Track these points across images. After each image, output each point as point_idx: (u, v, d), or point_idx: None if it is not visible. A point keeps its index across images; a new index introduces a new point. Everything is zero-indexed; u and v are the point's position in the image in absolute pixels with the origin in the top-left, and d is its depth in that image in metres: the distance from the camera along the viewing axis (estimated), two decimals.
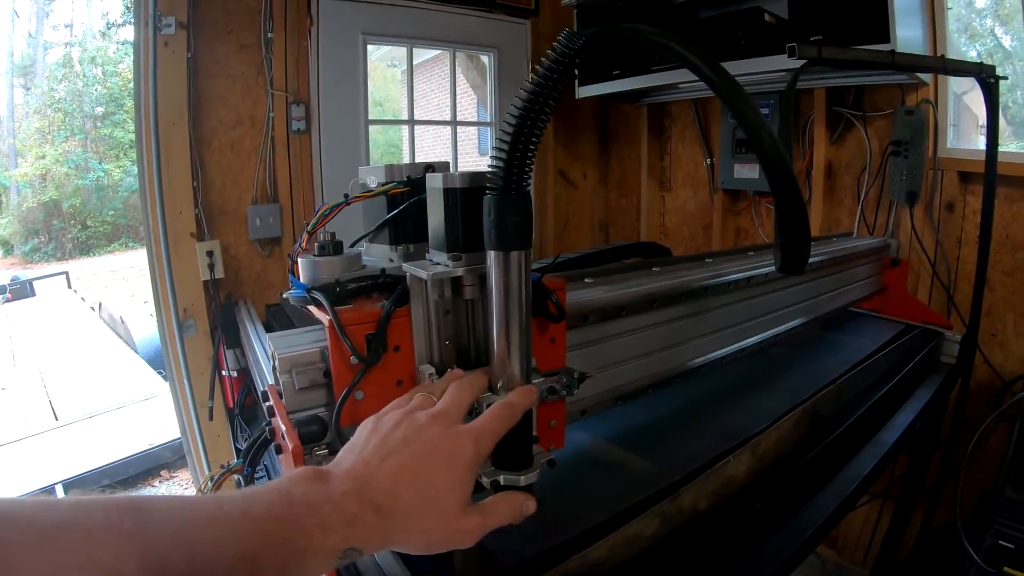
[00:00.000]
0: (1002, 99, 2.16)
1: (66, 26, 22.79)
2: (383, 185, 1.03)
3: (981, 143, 2.74)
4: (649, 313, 1.39)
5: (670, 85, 3.43)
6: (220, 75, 3.00)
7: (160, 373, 7.28)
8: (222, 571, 0.53)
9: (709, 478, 1.23)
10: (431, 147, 9.41)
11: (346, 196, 1.02)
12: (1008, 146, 2.86)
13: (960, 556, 2.18)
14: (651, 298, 1.37)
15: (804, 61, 1.61)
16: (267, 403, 0.96)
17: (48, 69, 22.34)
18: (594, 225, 4.63)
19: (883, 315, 2.47)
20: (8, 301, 13.59)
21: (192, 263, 2.97)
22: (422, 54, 8.38)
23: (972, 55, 3.46)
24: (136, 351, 8.69)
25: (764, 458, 1.42)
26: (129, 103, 19.68)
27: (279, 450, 0.92)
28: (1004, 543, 2.09)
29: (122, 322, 9.87)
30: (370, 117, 3.50)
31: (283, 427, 0.88)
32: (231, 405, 2.98)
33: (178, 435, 3.38)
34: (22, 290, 14.27)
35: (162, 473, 5.66)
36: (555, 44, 0.74)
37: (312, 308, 0.94)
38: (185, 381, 3.05)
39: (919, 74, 2.64)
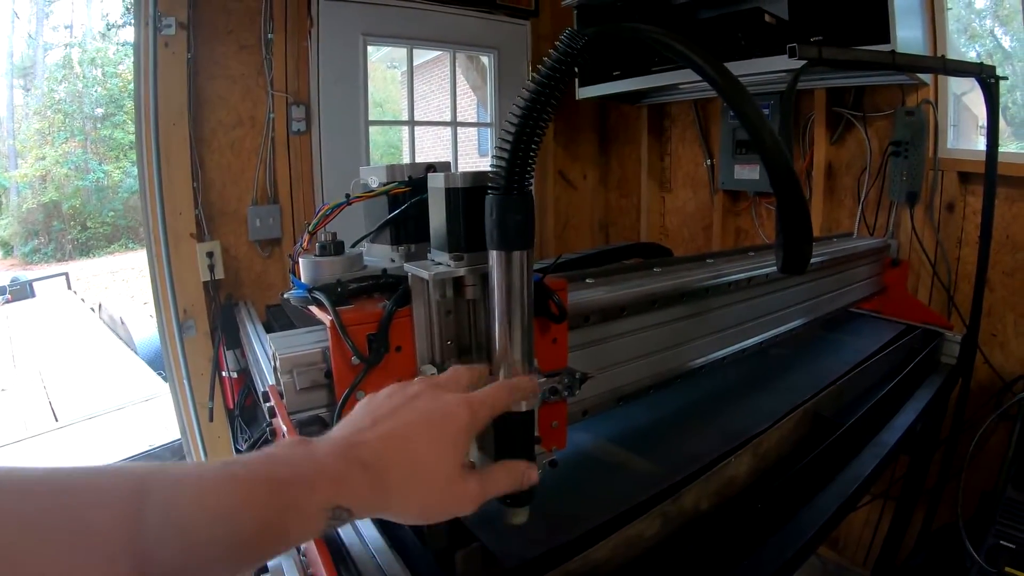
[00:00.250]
0: (1002, 99, 2.16)
1: (66, 27, 22.78)
2: (384, 185, 1.03)
3: (981, 143, 2.74)
4: (650, 313, 1.38)
5: (670, 86, 3.43)
6: (220, 76, 3.00)
7: (160, 374, 7.28)
8: (203, 528, 0.52)
9: (710, 479, 1.23)
10: (431, 148, 9.41)
11: (347, 196, 1.02)
12: (1008, 146, 2.85)
13: (961, 556, 2.18)
14: (652, 298, 1.37)
15: (804, 61, 1.61)
16: (268, 404, 0.96)
17: (48, 70, 22.33)
18: (594, 226, 4.63)
19: (883, 316, 2.46)
20: (8, 302, 13.60)
21: (192, 264, 2.97)
22: (422, 55, 8.39)
23: (972, 56, 3.46)
24: (136, 352, 8.70)
25: (765, 459, 1.42)
26: (129, 104, 19.68)
27: None
28: (1005, 543, 2.09)
29: (122, 323, 9.88)
30: (370, 118, 3.50)
31: (284, 428, 0.88)
32: (231, 406, 2.98)
33: (178, 436, 3.38)
34: (22, 291, 14.28)
35: None
36: (557, 43, 0.74)
37: (313, 308, 0.94)
38: (185, 382, 3.05)
39: (919, 74, 2.64)
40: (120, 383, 7.39)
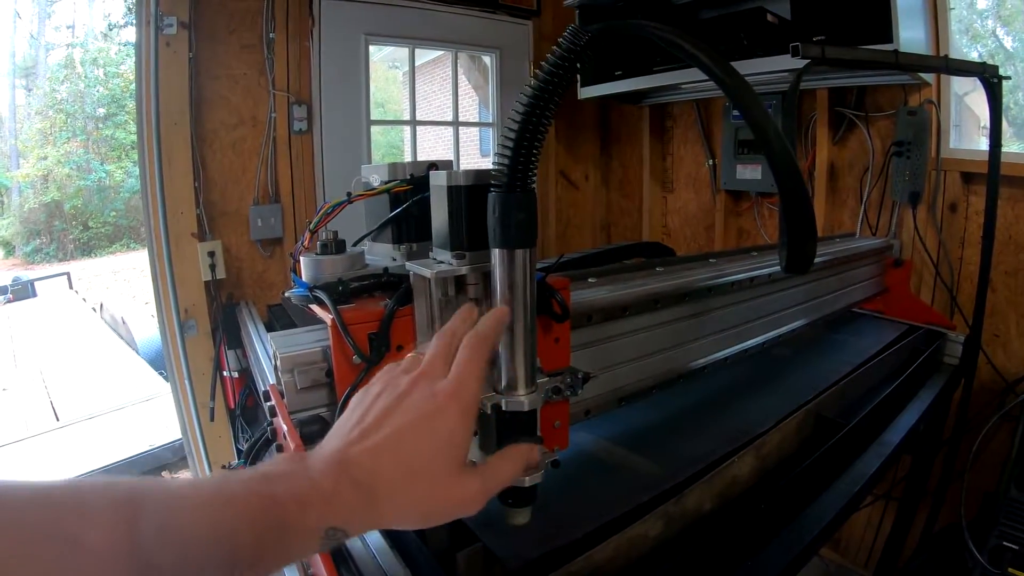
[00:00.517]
0: (1004, 100, 2.15)
1: (68, 27, 22.82)
2: (386, 183, 1.02)
3: (983, 144, 2.74)
4: (652, 313, 1.38)
5: (672, 86, 3.43)
6: (222, 75, 3.00)
7: (161, 374, 7.29)
8: (200, 545, 0.52)
9: (713, 479, 1.23)
10: (432, 148, 9.39)
11: (349, 195, 1.02)
12: (1010, 147, 2.85)
13: (963, 557, 2.17)
14: (655, 298, 1.37)
15: (807, 61, 1.60)
16: (269, 403, 0.96)
17: (50, 70, 22.37)
18: (596, 226, 4.63)
19: (886, 316, 2.46)
20: (9, 302, 13.63)
21: (193, 263, 2.97)
22: (424, 55, 8.38)
23: (974, 56, 3.45)
24: (137, 352, 8.71)
25: (768, 459, 1.41)
26: (130, 104, 19.67)
27: (280, 450, 0.91)
28: (1008, 544, 2.09)
29: (123, 323, 9.89)
30: (371, 118, 3.49)
31: (285, 427, 0.88)
32: (232, 406, 2.98)
33: (179, 436, 3.38)
34: (23, 291, 14.30)
35: (163, 474, 5.65)
36: (560, 40, 0.74)
37: (314, 307, 0.94)
38: (186, 382, 3.05)
39: (921, 74, 2.64)
40: (121, 383, 7.39)
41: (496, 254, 0.79)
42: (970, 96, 2.90)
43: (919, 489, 2.46)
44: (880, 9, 2.29)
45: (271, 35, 3.07)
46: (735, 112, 3.41)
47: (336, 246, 1.00)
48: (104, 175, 21.37)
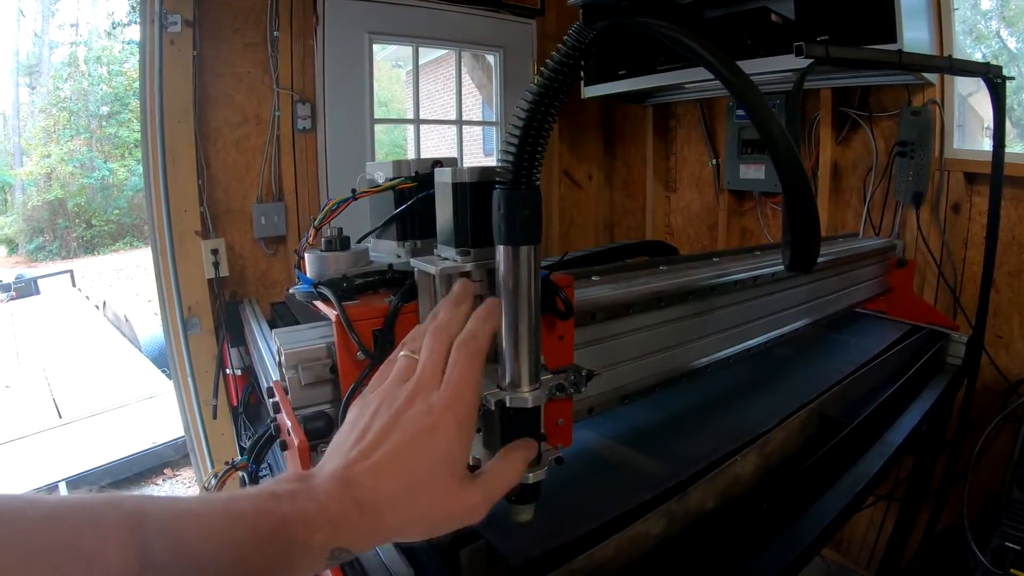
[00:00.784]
0: (1008, 101, 2.15)
1: (71, 25, 22.85)
2: (391, 180, 1.02)
3: (986, 144, 2.73)
4: (656, 312, 1.38)
5: (676, 85, 3.42)
6: (226, 74, 3.00)
7: (164, 371, 7.29)
8: (206, 567, 0.53)
9: (716, 478, 1.23)
10: (436, 147, 9.37)
11: (353, 191, 1.02)
12: (1014, 147, 2.84)
13: (966, 558, 2.17)
14: (658, 297, 1.37)
15: (811, 60, 1.60)
16: (272, 399, 0.96)
17: (53, 68, 22.40)
18: (599, 226, 4.62)
19: (889, 316, 2.46)
20: (13, 299, 13.64)
21: (197, 261, 2.97)
22: (427, 54, 8.39)
23: (977, 57, 3.45)
24: (140, 349, 8.71)
25: (771, 458, 1.41)
26: (134, 102, 19.72)
27: (284, 446, 0.92)
28: (1010, 544, 2.09)
29: (126, 320, 9.90)
30: (375, 117, 3.50)
31: (289, 423, 0.88)
32: (235, 403, 2.98)
33: (182, 433, 3.38)
34: (27, 288, 14.31)
35: (165, 471, 5.67)
36: (566, 37, 0.74)
37: (319, 303, 0.94)
38: (189, 379, 3.05)
39: (925, 74, 2.63)
40: (124, 380, 7.40)
41: (501, 251, 0.79)
42: (974, 96, 2.90)
43: (921, 489, 2.46)
44: (884, 9, 2.29)
45: (275, 33, 3.07)
46: (739, 112, 3.41)
47: (341, 243, 1.00)
48: (107, 173, 21.39)
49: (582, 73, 0.78)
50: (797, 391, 1.66)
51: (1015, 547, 2.07)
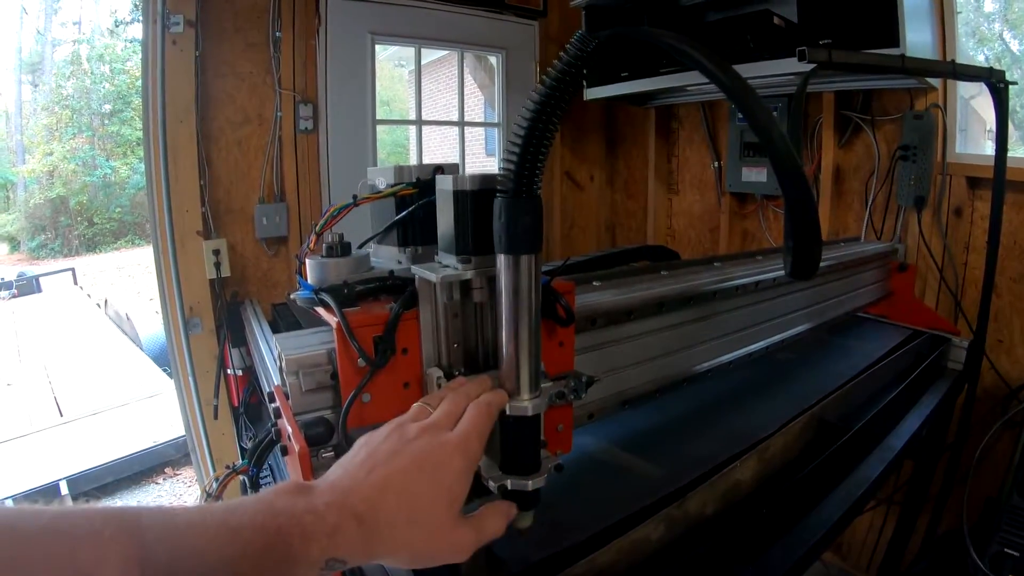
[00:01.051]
0: (1011, 105, 2.15)
1: (74, 23, 22.86)
2: (392, 186, 1.02)
3: (988, 148, 2.74)
4: (657, 317, 1.38)
5: (678, 88, 3.42)
6: (228, 74, 3.00)
7: (165, 371, 7.29)
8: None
9: (716, 483, 1.23)
10: (438, 147, 9.38)
11: (355, 197, 1.02)
12: (1016, 151, 2.84)
13: (965, 563, 2.17)
14: (659, 302, 1.37)
15: (815, 65, 1.60)
16: (273, 404, 0.96)
17: (56, 66, 22.42)
18: (600, 227, 4.62)
19: (890, 320, 2.46)
20: (14, 297, 13.65)
21: (198, 261, 2.98)
22: (429, 54, 8.39)
23: (980, 59, 3.45)
24: (141, 348, 8.71)
25: (771, 463, 1.41)
26: (136, 101, 19.76)
27: (285, 451, 0.91)
28: (1009, 551, 2.09)
29: (127, 319, 9.90)
30: (377, 117, 3.50)
31: (289, 429, 0.88)
32: (236, 403, 2.98)
33: (182, 432, 3.38)
34: (28, 286, 14.32)
35: (166, 470, 5.67)
36: (568, 46, 0.74)
37: (320, 310, 0.94)
38: (190, 379, 3.06)
39: (927, 78, 2.63)
40: (125, 379, 7.40)
41: (501, 259, 0.79)
42: (976, 100, 2.89)
43: (921, 494, 2.46)
44: (887, 12, 2.28)
45: (277, 34, 3.07)
46: (740, 114, 3.40)
47: (342, 248, 1.00)
48: (109, 171, 21.40)
49: (584, 74, 0.78)
50: (798, 396, 1.66)
51: (1014, 553, 2.07)
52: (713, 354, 1.57)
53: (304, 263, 1.00)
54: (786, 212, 0.75)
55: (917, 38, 2.37)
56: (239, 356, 2.88)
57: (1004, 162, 2.18)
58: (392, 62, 15.01)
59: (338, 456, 0.81)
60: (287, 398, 0.93)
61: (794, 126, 1.84)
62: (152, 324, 8.97)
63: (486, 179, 0.84)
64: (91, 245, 21.48)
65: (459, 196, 0.85)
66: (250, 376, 2.82)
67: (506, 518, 0.79)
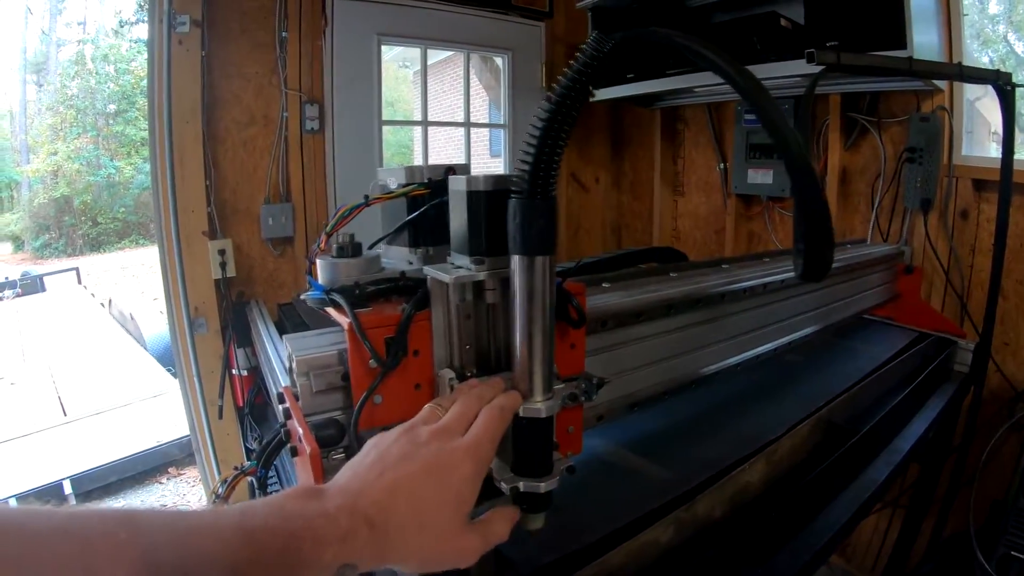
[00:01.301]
0: (1017, 107, 2.15)
1: (79, 23, 22.94)
2: (404, 187, 1.02)
3: (993, 151, 2.73)
4: (666, 319, 1.38)
5: (684, 89, 3.42)
6: (234, 74, 3.01)
7: (169, 370, 7.30)
8: None
9: (724, 485, 1.22)
10: (442, 148, 9.40)
11: (366, 197, 1.01)
12: (1023, 154, 2.84)
13: (971, 565, 2.17)
14: (668, 304, 1.37)
15: (823, 67, 1.60)
16: (283, 405, 0.96)
17: (61, 66, 22.48)
18: (606, 229, 4.62)
19: (896, 323, 2.45)
20: (18, 296, 13.66)
21: (204, 261, 2.98)
22: (434, 55, 8.41)
23: (984, 61, 3.44)
24: (145, 348, 8.72)
25: (779, 466, 1.41)
26: (141, 101, 19.81)
27: (295, 452, 0.91)
28: (1016, 553, 2.09)
29: (132, 319, 9.91)
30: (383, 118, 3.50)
31: (300, 430, 0.88)
32: (241, 404, 2.99)
33: (186, 432, 3.38)
34: (32, 285, 14.34)
35: (170, 470, 5.67)
36: (583, 47, 0.74)
37: (330, 310, 0.94)
38: (195, 379, 3.06)
39: (934, 81, 2.63)
40: (129, 379, 7.40)
41: (516, 260, 0.79)
42: (981, 101, 2.89)
43: (927, 497, 2.45)
44: (894, 14, 2.28)
45: (284, 34, 3.08)
46: (747, 116, 3.40)
47: (352, 249, 1.00)
48: (114, 171, 21.47)
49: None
50: (805, 398, 1.66)
51: (1021, 556, 2.07)
52: (721, 356, 1.56)
53: (314, 263, 1.00)
54: (798, 213, 0.75)
55: (924, 40, 2.36)
56: (244, 356, 2.89)
57: (1011, 165, 2.17)
58: (396, 63, 15.01)
59: (349, 458, 0.81)
60: (297, 399, 0.93)
61: (802, 128, 1.84)
62: (156, 324, 8.98)
63: (500, 180, 0.84)
64: (95, 245, 21.54)
65: (473, 196, 0.84)
66: (255, 376, 2.82)
67: (511, 523, 0.79)
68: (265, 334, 2.54)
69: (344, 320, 0.87)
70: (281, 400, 0.97)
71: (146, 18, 2.98)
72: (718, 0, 2.96)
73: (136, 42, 21.72)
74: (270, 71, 3.09)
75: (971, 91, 2.80)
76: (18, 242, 21.88)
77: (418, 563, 0.69)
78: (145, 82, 2.92)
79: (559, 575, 0.97)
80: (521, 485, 0.83)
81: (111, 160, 21.56)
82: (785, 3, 2.66)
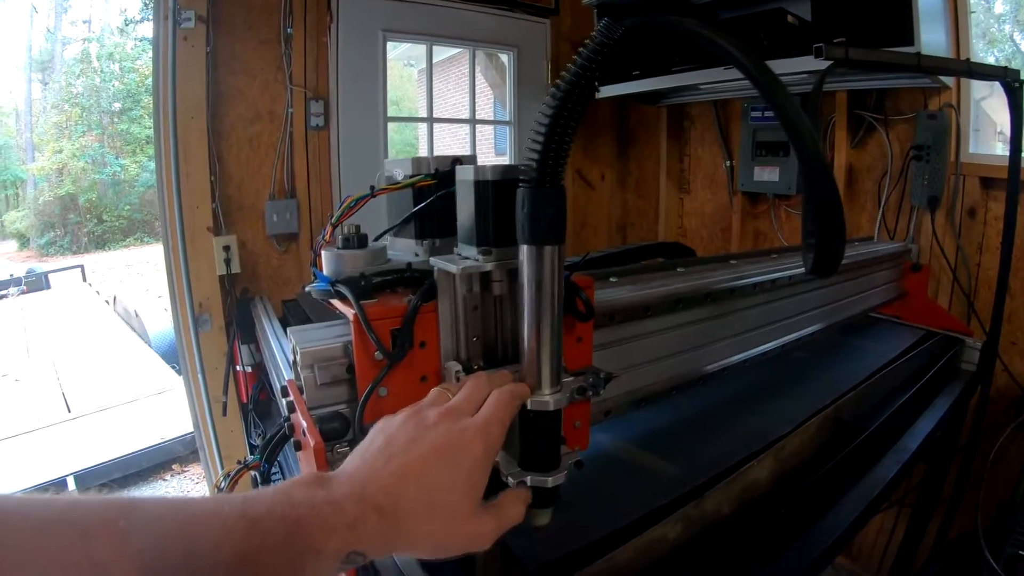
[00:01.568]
0: None
1: (84, 22, 23.01)
2: (410, 177, 1.01)
3: (999, 149, 2.72)
4: (673, 314, 1.37)
5: (690, 86, 3.41)
6: (239, 70, 3.00)
7: (173, 367, 7.30)
8: (220, 571, 0.52)
9: (732, 482, 1.22)
10: (447, 147, 9.39)
11: (372, 188, 1.01)
12: None
13: (978, 565, 2.16)
14: (676, 299, 1.36)
15: (831, 62, 1.59)
16: (287, 398, 0.95)
17: (66, 64, 22.55)
18: (611, 226, 4.61)
19: (903, 321, 2.45)
20: (23, 293, 13.68)
21: (208, 258, 2.97)
22: (438, 53, 8.40)
23: (991, 61, 3.43)
24: (150, 345, 8.73)
25: (787, 463, 1.41)
26: (146, 99, 19.87)
27: (299, 447, 0.91)
28: None
29: (136, 316, 9.92)
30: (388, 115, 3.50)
31: (304, 423, 0.87)
32: (245, 400, 2.98)
33: (190, 429, 3.38)
34: (37, 283, 14.35)
35: (174, 467, 5.67)
36: (594, 34, 0.73)
37: (336, 302, 0.93)
38: (199, 375, 3.05)
39: (941, 78, 2.62)
40: (133, 375, 7.41)
41: (524, 250, 0.78)
42: (987, 101, 2.88)
43: (933, 496, 2.44)
44: (901, 11, 2.27)
45: (289, 30, 3.07)
46: (754, 113, 3.40)
47: (358, 240, 0.99)
48: (119, 169, 21.54)
49: None
50: (812, 396, 1.65)
51: None
52: (729, 352, 1.56)
53: (320, 255, 0.99)
54: (809, 209, 0.74)
55: (931, 38, 2.35)
56: (248, 353, 2.88)
57: (1019, 162, 2.16)
58: (401, 61, 15.02)
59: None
60: (301, 392, 0.92)
61: (812, 124, 1.83)
62: (160, 321, 8.99)
63: (508, 169, 0.83)
64: (100, 242, 21.61)
65: (480, 186, 0.84)
66: (259, 373, 2.82)
67: (525, 504, 0.78)
68: (269, 330, 2.54)
69: (350, 311, 0.86)
70: (285, 394, 0.96)
71: (151, 16, 2.98)
72: None
73: (141, 40, 21.82)
74: (275, 67, 3.08)
75: (977, 90, 2.79)
76: (23, 239, 21.95)
77: (430, 549, 0.68)
78: (150, 80, 2.91)
79: (565, 572, 0.96)
80: (528, 480, 0.82)
81: (116, 158, 21.62)
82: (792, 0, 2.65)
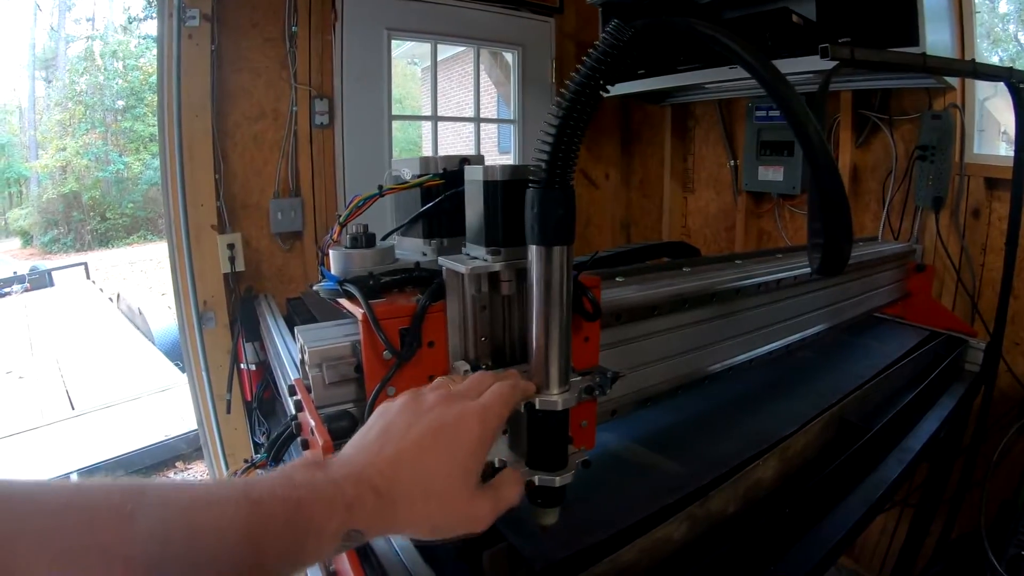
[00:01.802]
0: None
1: (88, 20, 23.04)
2: (418, 177, 1.02)
3: (1003, 150, 2.72)
4: (680, 314, 1.37)
5: (695, 85, 3.41)
6: (244, 68, 3.00)
7: (177, 365, 7.31)
8: (224, 553, 0.52)
9: (738, 482, 1.22)
10: (451, 145, 9.37)
11: (380, 188, 1.01)
12: None
13: (981, 566, 2.16)
14: (682, 299, 1.36)
15: (836, 62, 1.59)
16: (294, 397, 0.95)
17: (69, 62, 22.58)
18: (616, 225, 4.61)
19: (907, 321, 2.44)
20: (27, 291, 13.70)
21: (213, 256, 2.98)
22: (443, 51, 8.41)
23: (995, 60, 3.43)
24: (153, 342, 8.74)
25: (792, 462, 1.40)
26: (149, 97, 19.92)
27: (306, 445, 0.91)
28: None
29: (140, 314, 9.93)
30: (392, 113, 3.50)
31: (312, 422, 0.87)
32: (249, 398, 2.98)
33: (194, 427, 3.38)
34: (41, 280, 14.39)
35: (177, 464, 5.68)
36: (603, 36, 0.73)
37: (344, 301, 0.93)
38: (203, 373, 3.06)
39: (946, 78, 2.61)
40: (137, 373, 7.42)
41: (533, 251, 0.78)
42: (991, 101, 2.87)
43: (935, 497, 2.44)
44: (906, 11, 2.27)
45: (293, 29, 3.07)
46: (758, 113, 3.40)
47: (366, 239, 0.99)
48: (122, 167, 21.57)
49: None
50: (817, 395, 1.65)
51: None
52: (734, 352, 1.56)
53: (328, 254, 1.00)
54: (816, 208, 0.74)
55: (936, 38, 2.35)
56: (252, 351, 2.88)
57: (1023, 163, 2.16)
58: (405, 59, 15.02)
59: None
60: (309, 391, 0.92)
61: (818, 124, 1.83)
62: (164, 319, 9.01)
63: (517, 170, 0.83)
64: (103, 240, 21.64)
65: (489, 186, 0.84)
66: (263, 371, 2.82)
67: (521, 485, 0.78)
68: (274, 328, 2.54)
69: (358, 311, 0.87)
70: (292, 392, 0.96)
71: (155, 15, 2.98)
72: None
73: (144, 38, 21.85)
74: (280, 65, 3.09)
75: (981, 91, 2.79)
76: (27, 237, 21.99)
77: (428, 530, 0.69)
78: (154, 78, 2.93)
79: (571, 571, 0.96)
80: (536, 479, 0.83)
81: (119, 156, 21.65)
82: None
